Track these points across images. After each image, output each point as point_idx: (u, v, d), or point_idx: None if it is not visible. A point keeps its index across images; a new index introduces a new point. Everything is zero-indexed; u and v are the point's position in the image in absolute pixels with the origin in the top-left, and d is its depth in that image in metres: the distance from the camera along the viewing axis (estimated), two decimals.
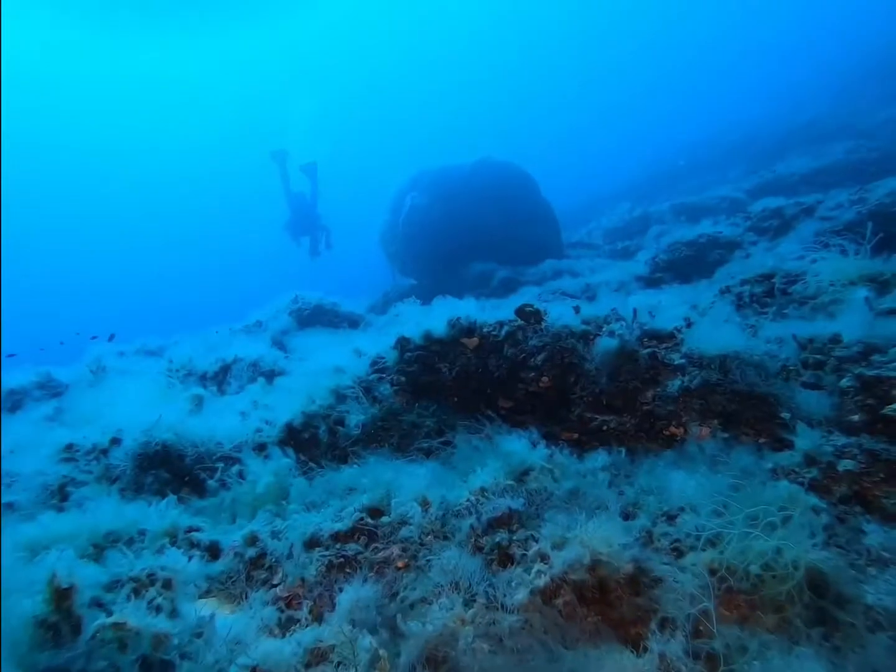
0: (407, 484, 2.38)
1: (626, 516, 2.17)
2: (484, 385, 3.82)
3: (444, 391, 3.79)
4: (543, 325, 3.63)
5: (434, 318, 3.85)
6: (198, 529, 2.40)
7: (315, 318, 9.36)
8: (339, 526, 2.20)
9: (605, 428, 3.31)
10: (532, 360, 3.61)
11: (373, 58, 50.68)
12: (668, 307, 4.03)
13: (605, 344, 3.43)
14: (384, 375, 3.77)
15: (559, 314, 3.69)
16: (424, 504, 2.25)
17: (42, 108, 45.90)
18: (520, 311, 3.71)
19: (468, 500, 2.32)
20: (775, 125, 24.04)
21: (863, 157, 15.51)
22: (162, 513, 2.36)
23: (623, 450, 2.75)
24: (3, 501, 2.70)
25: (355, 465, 2.87)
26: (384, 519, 2.23)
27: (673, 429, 3.08)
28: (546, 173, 15.45)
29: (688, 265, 9.09)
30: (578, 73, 48.19)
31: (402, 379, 3.71)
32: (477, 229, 13.41)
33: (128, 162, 52.41)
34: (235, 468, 2.96)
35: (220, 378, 5.54)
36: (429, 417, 3.49)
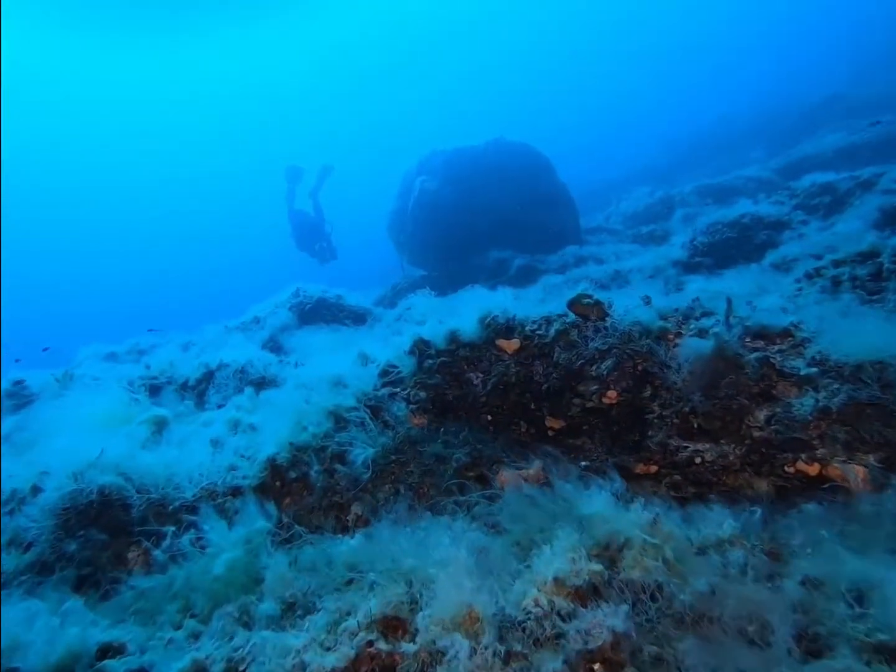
0: (439, 578, 1.52)
1: (812, 652, 1.29)
2: (526, 399, 2.95)
3: (475, 410, 2.92)
4: (608, 321, 2.74)
5: (462, 314, 2.98)
6: (120, 649, 1.55)
7: (317, 312, 8.49)
8: (332, 660, 1.35)
9: (697, 460, 2.43)
10: (593, 367, 2.73)
11: (382, 42, 49.42)
12: (742, 296, 3.13)
13: (693, 346, 2.55)
14: (398, 390, 2.90)
15: (626, 307, 2.80)
16: (471, 623, 1.39)
17: (45, 112, 45.35)
18: (575, 304, 2.83)
19: (537, 606, 1.45)
20: (795, 103, 22.84)
21: None
22: (54, 630, 1.51)
23: (758, 510, 1.86)
24: None
25: (359, 534, 2.00)
26: (407, 647, 1.37)
27: (803, 465, 2.20)
28: (556, 158, 14.45)
29: (731, 248, 8.14)
30: (586, 55, 46.70)
31: (422, 395, 2.84)
32: (491, 214, 12.48)
33: (133, 162, 51.75)
34: (194, 529, 2.11)
35: (203, 387, 4.71)
36: (458, 447, 2.63)
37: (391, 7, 47.00)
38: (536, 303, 3.34)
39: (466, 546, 1.67)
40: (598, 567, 1.57)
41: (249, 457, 2.55)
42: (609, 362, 2.66)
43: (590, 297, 2.82)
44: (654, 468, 2.59)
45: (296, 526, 2.12)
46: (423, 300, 6.44)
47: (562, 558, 1.60)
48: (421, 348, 3.01)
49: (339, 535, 2.09)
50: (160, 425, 2.99)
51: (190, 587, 1.87)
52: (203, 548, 2.08)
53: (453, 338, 2.98)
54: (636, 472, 2.61)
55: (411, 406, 2.81)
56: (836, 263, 3.87)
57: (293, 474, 2.49)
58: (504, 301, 2.98)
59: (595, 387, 2.70)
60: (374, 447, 2.50)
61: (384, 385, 2.98)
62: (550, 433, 2.99)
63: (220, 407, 4.16)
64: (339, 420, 2.69)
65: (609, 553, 1.66)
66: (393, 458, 2.56)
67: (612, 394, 2.68)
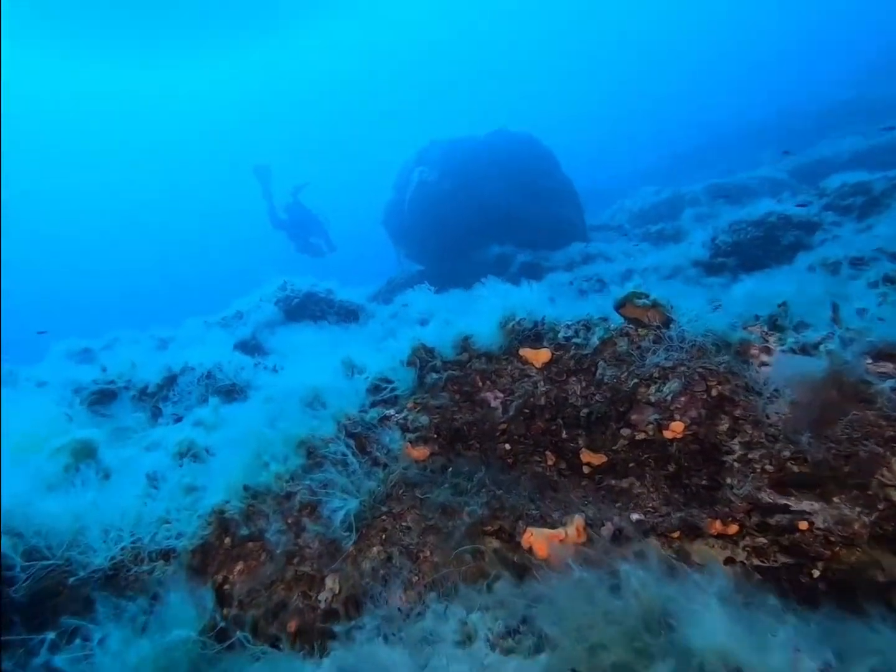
0: None
1: None
2: (557, 426, 2.29)
3: (492, 439, 2.25)
4: (673, 329, 2.08)
5: (475, 313, 2.31)
6: None
7: (305, 308, 7.81)
8: None
9: (803, 525, 1.77)
10: (652, 389, 2.06)
11: (383, 42, 48.51)
12: (813, 302, 2.48)
13: (792, 366, 1.89)
14: (391, 412, 2.23)
15: (694, 311, 2.14)
16: None
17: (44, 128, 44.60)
18: (626, 305, 2.17)
19: None
20: (806, 106, 22.31)
21: None
22: None
23: None
24: None
25: (338, 651, 1.33)
26: None
27: None
28: (559, 156, 13.78)
29: (757, 248, 7.51)
30: (592, 52, 45.90)
31: (423, 420, 2.17)
32: (492, 208, 11.79)
33: (131, 167, 50.79)
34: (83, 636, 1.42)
35: (164, 393, 4.01)
36: (471, 494, 1.96)
37: (395, 4, 46.19)
38: (546, 303, 2.67)
39: None
40: None
41: (189, 506, 1.86)
42: (675, 384, 2.00)
43: (645, 296, 2.15)
44: (734, 528, 1.93)
45: (237, 633, 1.44)
46: (421, 296, 5.76)
47: None
48: (422, 358, 2.34)
49: (302, 653, 1.41)
50: (84, 453, 2.30)
51: None
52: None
53: (465, 345, 2.31)
54: (709, 531, 1.95)
55: (409, 435, 2.14)
56: None
57: (246, 531, 1.81)
58: (531, 298, 2.30)
59: (654, 415, 2.03)
60: (359, 496, 1.82)
61: (374, 405, 2.31)
62: (586, 469, 2.34)
63: (177, 421, 3.48)
64: (313, 454, 2.01)
65: None
66: (384, 509, 1.88)
67: (677, 426, 2.01)
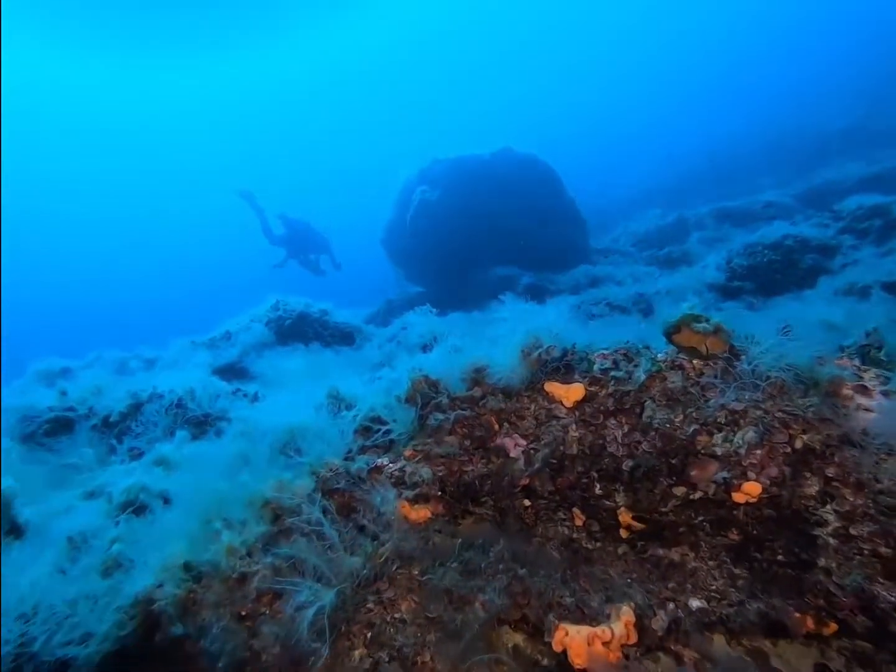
0: None
1: None
2: (589, 479, 1.83)
3: (509, 496, 1.79)
4: (744, 360, 1.64)
5: (490, 339, 1.87)
6: None
7: (298, 329, 7.34)
8: None
9: None
10: (716, 438, 1.61)
11: (384, 53, 48.82)
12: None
13: None
14: (385, 462, 1.77)
15: (761, 339, 1.70)
16: None
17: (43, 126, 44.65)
18: (680, 329, 1.73)
19: None
20: (806, 131, 22.27)
21: None
22: None
23: None
24: None
25: None
26: None
27: None
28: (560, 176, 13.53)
29: (774, 272, 7.12)
30: (587, 74, 46.27)
31: (425, 473, 1.71)
32: (495, 228, 11.45)
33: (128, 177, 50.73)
34: None
35: (128, 423, 3.54)
36: (487, 575, 1.49)
37: (395, 17, 46.69)
38: (577, 327, 2.24)
39: None
40: None
41: (107, 590, 1.39)
42: (749, 433, 1.55)
43: (706, 319, 1.72)
44: (832, 627, 1.46)
45: None
46: (421, 319, 5.31)
47: None
48: (424, 393, 1.89)
49: None
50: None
51: None
52: None
53: (478, 377, 1.86)
54: (798, 629, 1.49)
55: (406, 492, 1.68)
56: None
57: (180, 630, 1.33)
58: (558, 321, 1.87)
59: (723, 473, 1.58)
60: (336, 583, 1.35)
61: (364, 450, 1.85)
62: (624, 533, 1.88)
63: (134, 457, 3.01)
64: (281, 519, 1.55)
65: None
66: (371, 598, 1.41)
67: (752, 487, 1.55)
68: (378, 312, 11.24)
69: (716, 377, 1.66)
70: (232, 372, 5.62)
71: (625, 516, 1.86)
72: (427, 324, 4.89)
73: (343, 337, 7.17)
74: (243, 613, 1.37)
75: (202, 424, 3.18)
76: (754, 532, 1.71)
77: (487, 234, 11.42)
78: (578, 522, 1.96)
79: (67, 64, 40.60)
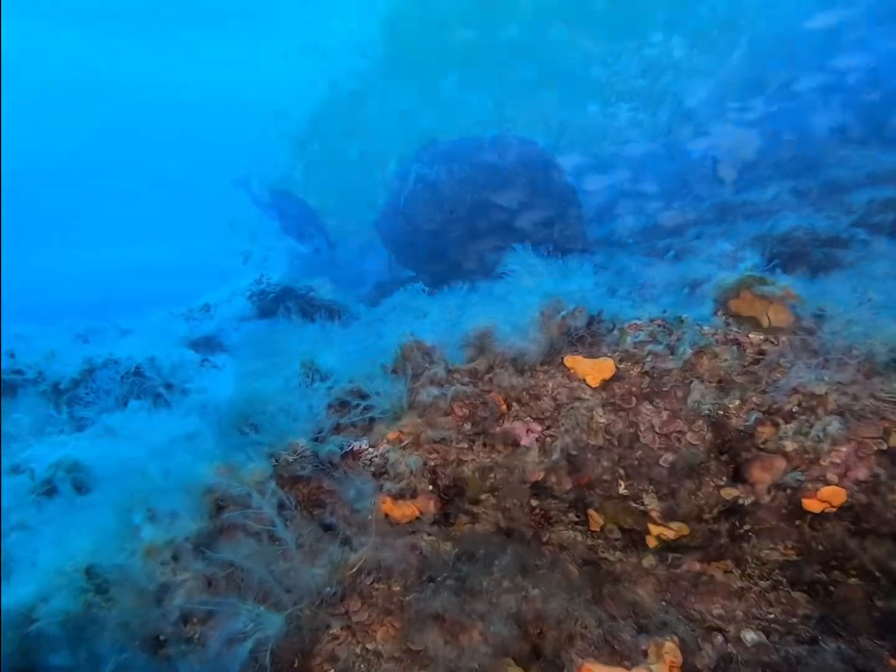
0: None
1: None
2: (614, 476, 1.49)
3: (518, 494, 1.44)
4: (821, 334, 1.29)
5: (502, 301, 1.51)
6: None
7: (282, 304, 6.93)
8: None
9: None
10: (790, 428, 1.27)
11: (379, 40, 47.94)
12: None
13: None
14: (364, 445, 1.41)
15: (840, 307, 1.36)
16: None
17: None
18: (738, 294, 1.38)
19: None
20: (804, 129, 22.02)
21: None
22: None
23: None
24: None
25: None
26: None
27: None
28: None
29: (784, 265, 6.79)
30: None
31: (413, 461, 1.35)
32: (493, 213, 11.06)
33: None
34: None
35: (81, 388, 3.15)
36: (491, 594, 1.14)
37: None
38: (604, 292, 1.89)
39: None
40: None
41: None
42: (833, 424, 1.20)
43: (771, 282, 1.37)
44: None
45: None
46: (414, 298, 4.94)
47: None
48: (416, 362, 1.52)
49: None
50: None
51: None
52: None
53: (483, 344, 1.50)
54: None
55: (388, 484, 1.32)
56: None
57: (63, 662, 0.98)
58: (585, 282, 1.51)
59: (795, 474, 1.23)
60: (287, 604, 0.99)
61: (338, 429, 1.49)
62: (651, 542, 1.54)
63: (79, 429, 2.63)
64: (223, 513, 1.18)
65: None
66: (337, 622, 1.05)
67: (833, 492, 1.21)
68: (368, 293, 10.85)
69: (782, 354, 1.31)
70: (208, 346, 5.24)
71: (656, 526, 1.52)
72: (418, 302, 4.53)
73: (330, 313, 6.78)
74: (161, 639, 1.01)
75: (161, 396, 2.80)
76: (819, 548, 1.38)
77: (485, 219, 11.03)
78: (595, 527, 1.62)
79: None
